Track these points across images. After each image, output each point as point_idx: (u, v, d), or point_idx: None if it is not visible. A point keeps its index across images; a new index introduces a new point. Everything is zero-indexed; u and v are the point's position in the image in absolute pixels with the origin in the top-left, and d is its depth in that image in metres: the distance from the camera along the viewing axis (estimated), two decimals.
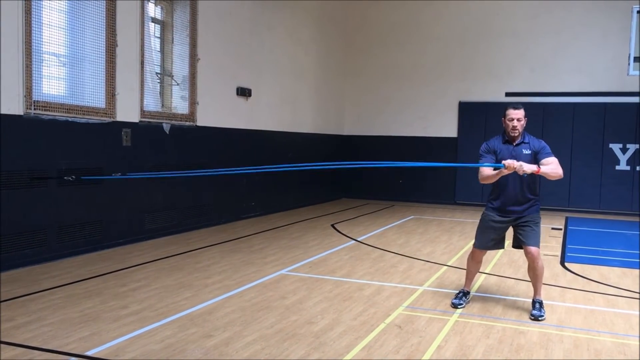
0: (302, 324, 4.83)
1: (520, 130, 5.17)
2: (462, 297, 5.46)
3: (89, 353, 4.10)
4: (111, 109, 7.80)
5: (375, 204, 14.17)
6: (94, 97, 7.58)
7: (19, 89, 6.48)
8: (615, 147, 13.22)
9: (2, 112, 6.30)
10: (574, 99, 13.55)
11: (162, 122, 8.81)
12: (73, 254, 7.19)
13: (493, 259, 7.57)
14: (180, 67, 9.42)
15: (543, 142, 5.18)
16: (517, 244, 5.30)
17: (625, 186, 13.13)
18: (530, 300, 5.33)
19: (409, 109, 15.01)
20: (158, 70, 9.09)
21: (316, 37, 13.93)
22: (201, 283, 6.09)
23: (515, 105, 5.23)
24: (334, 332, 4.65)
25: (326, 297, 5.68)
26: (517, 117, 5.15)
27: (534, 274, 5.22)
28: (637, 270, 7.19)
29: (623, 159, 13.17)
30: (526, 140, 5.19)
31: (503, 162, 4.83)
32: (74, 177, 6.81)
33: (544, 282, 5.75)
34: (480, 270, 5.85)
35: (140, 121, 8.33)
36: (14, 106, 6.44)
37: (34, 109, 6.64)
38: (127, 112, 8.07)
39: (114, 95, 7.82)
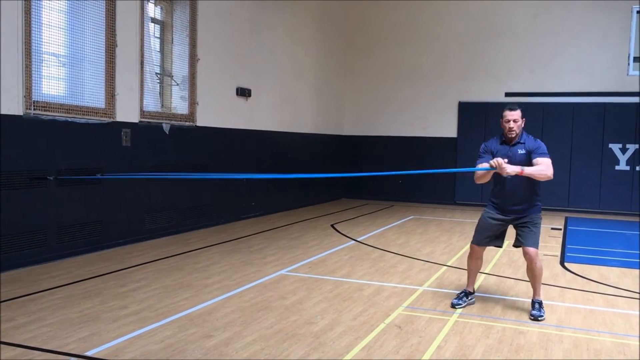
0: (301, 324, 4.83)
1: (518, 131, 5.16)
2: (462, 297, 5.46)
3: (89, 353, 4.10)
4: (111, 109, 7.79)
5: (374, 204, 14.17)
6: (93, 97, 7.58)
7: (18, 89, 6.48)
8: (615, 147, 13.22)
9: (2, 112, 6.30)
10: (574, 99, 13.56)
11: (161, 123, 8.81)
12: (73, 254, 7.19)
13: (493, 259, 7.57)
14: (180, 67, 9.42)
15: (540, 142, 5.15)
16: (517, 243, 5.32)
17: (625, 186, 13.13)
18: (530, 301, 5.33)
19: (409, 109, 15.02)
20: (158, 70, 9.09)
21: (316, 37, 13.93)
22: (201, 283, 6.09)
23: (512, 107, 5.22)
24: (334, 332, 4.65)
25: (326, 297, 5.68)
26: (513, 119, 5.15)
27: (532, 274, 5.22)
28: (637, 270, 7.19)
29: (623, 159, 13.18)
30: (522, 141, 5.18)
31: (490, 162, 4.87)
32: (51, 177, 6.80)
33: (543, 282, 5.76)
34: (480, 270, 5.84)
35: (139, 121, 8.33)
36: (14, 106, 6.44)
37: (34, 109, 6.64)
38: (126, 112, 8.07)
39: (114, 95, 7.82)
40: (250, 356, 4.11)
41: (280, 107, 12.36)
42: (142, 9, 8.30)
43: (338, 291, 5.91)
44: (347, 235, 9.47)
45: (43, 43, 6.84)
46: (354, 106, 15.64)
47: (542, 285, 5.34)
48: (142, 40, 8.29)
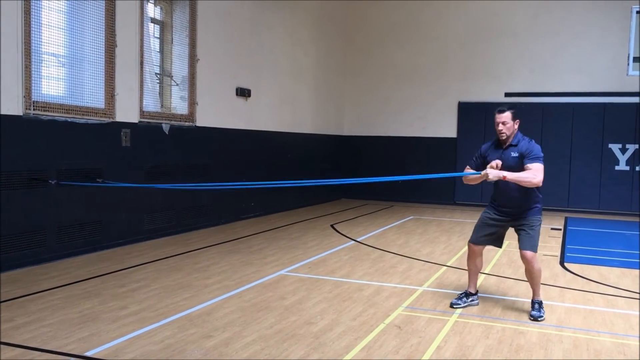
0: (301, 324, 4.83)
1: (508, 133, 5.12)
2: (462, 297, 5.46)
3: (88, 354, 4.10)
4: (110, 109, 7.79)
5: (374, 204, 14.17)
6: (93, 97, 7.57)
7: (18, 90, 6.48)
8: (615, 147, 13.22)
9: (2, 112, 6.29)
10: (574, 99, 13.56)
11: (161, 123, 8.81)
12: (72, 254, 7.19)
13: (493, 259, 7.57)
14: (179, 68, 9.41)
15: (534, 145, 5.07)
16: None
17: (625, 186, 13.13)
18: (530, 301, 5.33)
19: (409, 109, 15.02)
20: (157, 70, 9.09)
21: (316, 37, 13.93)
22: (200, 283, 6.09)
23: (501, 109, 5.19)
24: (334, 332, 4.65)
25: (325, 297, 5.68)
26: (501, 121, 5.12)
27: (530, 276, 5.22)
28: (637, 271, 7.19)
29: (622, 159, 13.18)
30: (515, 143, 5.12)
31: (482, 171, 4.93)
32: (52, 181, 6.81)
33: (543, 282, 5.76)
34: (480, 270, 5.84)
35: (139, 121, 8.33)
36: (14, 106, 6.44)
37: (34, 110, 6.64)
38: (126, 112, 8.07)
39: (114, 95, 7.82)
40: (250, 356, 4.11)
41: (280, 107, 12.36)
42: (142, 9, 8.30)
43: (338, 291, 5.91)
44: (347, 235, 9.47)
45: (43, 43, 6.84)
46: (353, 106, 15.64)
47: (542, 286, 5.34)
48: (141, 40, 8.29)
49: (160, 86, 9.17)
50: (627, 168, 13.13)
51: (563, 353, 4.33)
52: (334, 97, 15.13)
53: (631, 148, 13.09)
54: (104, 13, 7.62)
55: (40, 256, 6.79)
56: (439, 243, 8.96)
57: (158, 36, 9.25)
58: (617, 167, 13.22)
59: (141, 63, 8.32)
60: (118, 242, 7.93)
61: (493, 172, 4.86)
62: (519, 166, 5.00)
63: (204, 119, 9.76)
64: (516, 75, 14.09)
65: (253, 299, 5.57)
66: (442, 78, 14.69)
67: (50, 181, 6.83)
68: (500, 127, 5.12)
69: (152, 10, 9.03)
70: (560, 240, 9.46)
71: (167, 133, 8.90)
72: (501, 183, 5.10)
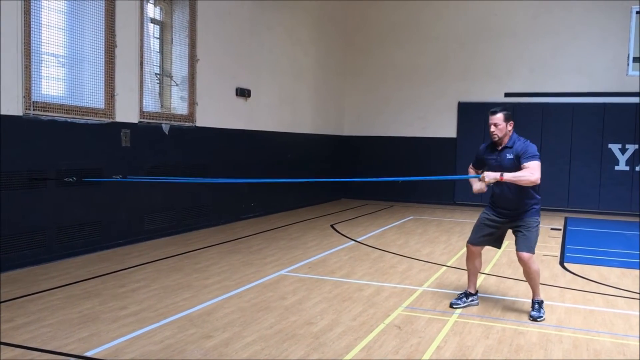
0: (301, 324, 4.83)
1: (500, 135, 5.11)
2: (462, 297, 5.46)
3: (88, 354, 4.10)
4: (110, 109, 7.79)
5: (374, 204, 14.18)
6: (93, 97, 7.58)
7: (18, 90, 6.48)
8: (615, 148, 13.23)
9: (2, 112, 6.29)
10: (573, 99, 13.56)
11: (161, 123, 8.81)
12: (72, 254, 7.19)
13: (492, 259, 7.57)
14: (179, 68, 9.42)
15: (529, 145, 5.05)
16: None
17: (625, 186, 13.13)
18: (530, 301, 5.33)
19: (409, 109, 15.02)
20: (157, 70, 9.09)
21: (316, 37, 13.93)
22: (200, 284, 6.09)
23: (493, 110, 5.19)
24: (334, 332, 4.65)
25: (325, 297, 5.68)
26: (493, 123, 5.12)
27: (528, 277, 5.21)
28: (637, 271, 7.19)
29: (622, 159, 13.18)
30: (510, 144, 5.11)
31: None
32: (74, 178, 6.84)
33: (543, 282, 5.76)
34: (480, 271, 5.84)
35: (139, 122, 8.33)
36: (13, 107, 6.44)
37: (33, 110, 6.64)
38: (126, 112, 8.07)
39: (113, 95, 7.82)
40: (250, 356, 4.11)
41: (280, 108, 12.36)
42: (142, 9, 8.30)
43: (338, 291, 5.91)
44: (347, 235, 9.47)
45: (42, 43, 6.84)
46: (353, 106, 15.64)
47: (542, 286, 5.34)
48: (141, 40, 8.29)
49: (160, 86, 9.17)
50: (627, 168, 13.14)
51: (563, 353, 4.34)
52: (334, 97, 15.13)
53: (631, 148, 13.09)
54: (103, 13, 7.62)
55: (40, 256, 6.79)
56: (438, 243, 8.97)
57: (158, 36, 9.25)
58: (616, 167, 13.22)
59: (141, 63, 8.32)
60: (118, 242, 7.93)
61: (490, 174, 4.91)
62: (515, 168, 4.99)
63: (203, 119, 9.76)
64: (516, 76, 14.09)
65: (253, 299, 5.57)
66: (442, 78, 14.69)
67: (71, 179, 6.84)
68: (492, 128, 5.12)
69: (152, 11, 9.03)
70: (560, 240, 9.46)
71: (167, 133, 8.90)
72: (498, 184, 5.10)
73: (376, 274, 6.73)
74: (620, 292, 6.17)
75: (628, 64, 13.28)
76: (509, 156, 5.07)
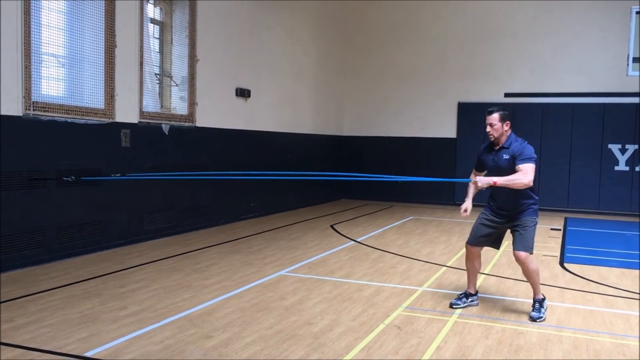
0: (301, 324, 4.84)
1: (496, 135, 5.13)
2: (462, 297, 5.46)
3: (88, 354, 4.10)
4: (110, 109, 7.79)
5: (374, 204, 14.18)
6: (93, 98, 7.58)
7: (18, 90, 6.48)
8: (614, 148, 13.23)
9: (2, 113, 6.29)
10: (573, 100, 13.56)
11: (161, 123, 8.81)
12: (72, 254, 7.19)
13: (492, 259, 7.57)
14: (179, 68, 9.42)
15: (526, 146, 5.05)
16: None
17: (625, 187, 13.14)
18: (530, 301, 5.33)
19: (408, 109, 15.02)
20: (157, 71, 9.09)
21: (315, 38, 13.93)
22: (200, 284, 6.09)
23: (490, 110, 5.21)
24: (333, 332, 4.65)
25: (325, 297, 5.68)
26: (489, 123, 5.15)
27: (527, 276, 5.21)
28: (637, 271, 7.19)
29: (622, 159, 13.18)
30: (507, 145, 5.13)
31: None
32: (73, 177, 6.84)
33: (543, 282, 5.76)
34: (480, 271, 5.84)
35: (139, 122, 8.33)
36: (13, 107, 6.44)
37: (33, 110, 6.64)
38: (126, 113, 8.07)
39: (113, 96, 7.82)
40: (249, 357, 4.11)
41: (280, 108, 12.36)
42: (142, 9, 8.30)
43: (338, 292, 5.91)
44: (347, 235, 9.47)
45: (42, 44, 6.84)
46: (353, 106, 15.64)
47: (542, 286, 5.33)
48: (141, 40, 8.29)
49: (160, 86, 9.18)
50: (627, 168, 13.14)
51: (563, 353, 4.34)
52: (334, 97, 15.13)
53: (631, 148, 13.09)
54: (103, 13, 7.62)
55: (40, 256, 6.79)
56: (438, 243, 8.97)
57: (158, 36, 9.25)
58: (616, 168, 13.22)
59: (141, 63, 8.32)
60: (118, 242, 7.93)
61: (483, 179, 4.95)
62: (511, 168, 5.01)
63: (203, 120, 9.76)
64: (516, 76, 14.09)
65: (253, 299, 5.57)
66: (441, 78, 14.69)
67: (69, 178, 6.82)
68: (488, 128, 5.16)
69: (151, 11, 9.04)
70: (559, 240, 9.46)
71: (166, 133, 8.90)
72: (491, 186, 5.12)
73: (376, 274, 6.73)
74: (620, 292, 6.17)
75: (628, 64, 13.28)
76: (505, 156, 5.09)
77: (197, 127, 9.63)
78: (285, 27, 12.47)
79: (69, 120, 7.15)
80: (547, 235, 9.82)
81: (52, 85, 7.10)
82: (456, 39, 14.57)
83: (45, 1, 6.95)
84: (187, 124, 9.40)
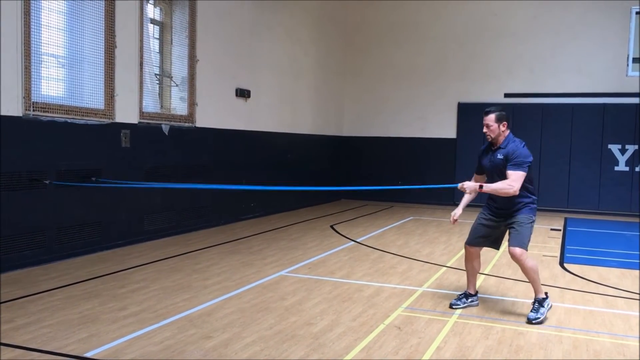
0: (301, 325, 4.84)
1: (493, 135, 5.15)
2: (462, 298, 5.46)
3: (88, 354, 4.10)
4: (110, 110, 7.79)
5: (374, 205, 14.18)
6: (93, 98, 7.58)
7: (18, 90, 6.48)
8: (614, 148, 13.23)
9: (2, 113, 6.29)
10: (573, 100, 13.56)
11: (161, 123, 8.81)
12: (72, 255, 7.19)
13: (492, 259, 7.57)
14: (179, 68, 9.42)
15: (520, 149, 5.04)
16: None
17: (624, 187, 13.14)
18: (530, 301, 5.33)
19: (408, 110, 15.02)
20: (157, 71, 9.09)
21: (315, 38, 13.93)
22: (200, 284, 6.09)
23: (487, 110, 5.22)
24: (333, 333, 4.65)
25: (325, 298, 5.68)
26: (485, 124, 5.17)
27: (525, 274, 5.20)
28: (637, 271, 7.20)
29: (622, 159, 13.18)
30: (503, 145, 5.14)
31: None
32: (49, 181, 6.80)
33: (543, 283, 5.75)
34: (479, 271, 5.84)
35: (139, 122, 8.33)
36: (13, 107, 6.44)
37: (33, 110, 6.64)
38: (126, 113, 8.07)
39: (113, 96, 7.82)
40: (249, 357, 4.11)
41: (280, 108, 12.36)
42: (142, 9, 8.30)
43: (337, 292, 5.92)
44: (347, 236, 9.47)
45: (42, 44, 6.84)
46: (353, 106, 15.64)
47: (542, 286, 5.32)
48: (141, 41, 8.29)
49: (159, 87, 9.18)
50: (627, 169, 13.14)
51: (563, 354, 4.34)
52: (334, 98, 15.13)
53: (631, 148, 13.09)
54: (103, 14, 7.62)
55: (40, 257, 6.79)
56: (438, 244, 8.97)
57: (158, 37, 9.25)
58: (616, 168, 13.22)
59: (141, 64, 8.32)
60: (118, 242, 7.93)
61: (469, 184, 5.08)
62: (504, 167, 5.05)
63: (203, 120, 9.76)
64: (516, 76, 14.09)
65: (253, 299, 5.57)
66: (441, 78, 14.69)
67: (44, 181, 6.81)
68: (485, 129, 5.18)
69: (151, 11, 9.03)
70: (559, 240, 9.46)
71: (166, 134, 8.90)
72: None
73: (376, 275, 6.74)
74: (619, 292, 6.17)
75: (628, 64, 13.29)
76: (500, 156, 5.13)
77: (197, 128, 9.63)
78: (285, 27, 12.47)
79: (69, 120, 7.15)
80: (547, 235, 9.82)
81: (52, 86, 7.11)
82: (456, 39, 14.57)
83: (45, 1, 6.95)
84: (187, 125, 9.40)
